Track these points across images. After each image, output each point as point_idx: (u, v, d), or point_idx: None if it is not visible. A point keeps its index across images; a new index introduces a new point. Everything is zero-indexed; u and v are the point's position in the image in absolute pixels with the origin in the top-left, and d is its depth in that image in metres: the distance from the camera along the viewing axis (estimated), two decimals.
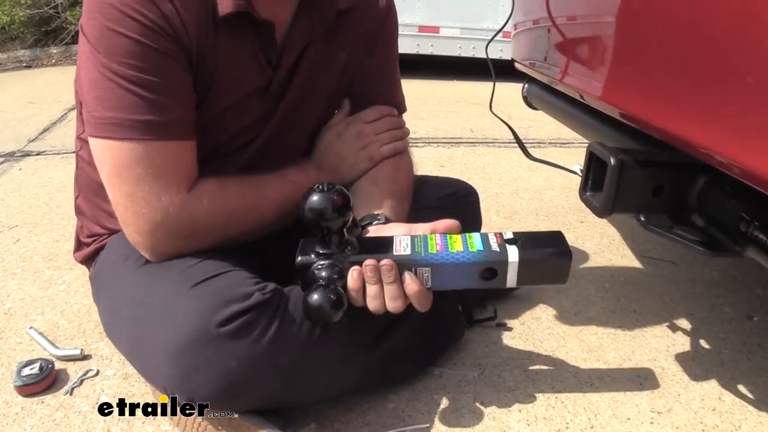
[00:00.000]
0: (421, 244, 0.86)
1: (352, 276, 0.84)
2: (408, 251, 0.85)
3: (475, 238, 0.86)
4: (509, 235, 0.86)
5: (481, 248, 0.84)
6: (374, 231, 0.95)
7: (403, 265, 0.84)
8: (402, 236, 0.88)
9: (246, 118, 1.02)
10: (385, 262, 0.83)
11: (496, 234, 0.87)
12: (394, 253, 0.84)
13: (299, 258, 0.86)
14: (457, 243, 0.85)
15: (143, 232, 0.90)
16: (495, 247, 0.85)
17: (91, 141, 0.89)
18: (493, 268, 0.84)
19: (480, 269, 0.84)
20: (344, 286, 0.85)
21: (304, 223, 0.83)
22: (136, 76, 0.83)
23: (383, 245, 0.87)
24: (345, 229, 0.86)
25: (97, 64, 0.84)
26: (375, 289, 0.85)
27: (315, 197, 0.82)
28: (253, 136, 1.05)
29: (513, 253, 0.84)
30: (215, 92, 0.95)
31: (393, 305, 0.85)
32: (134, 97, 0.84)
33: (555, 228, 1.94)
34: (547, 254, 0.86)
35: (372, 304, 0.86)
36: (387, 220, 0.98)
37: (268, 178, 1.01)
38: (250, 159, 1.07)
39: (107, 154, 0.87)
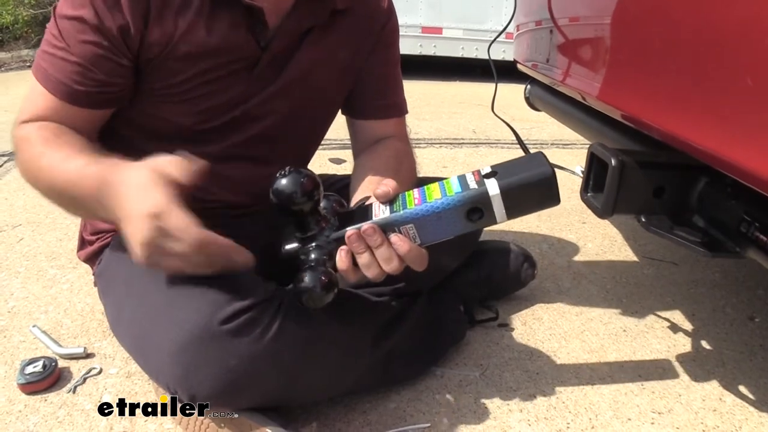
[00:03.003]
0: (400, 203, 0.82)
1: (341, 257, 0.82)
2: (387, 213, 0.82)
3: (453, 181, 0.82)
4: (487, 170, 0.81)
5: (459, 190, 0.80)
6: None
7: (385, 227, 0.81)
8: (381, 202, 0.85)
9: (227, 93, 1.02)
10: (366, 227, 0.81)
11: (474, 172, 0.82)
12: (374, 218, 0.82)
13: (285, 247, 0.84)
14: (435, 192, 0.82)
15: None
16: (473, 185, 0.80)
17: None
18: (477, 206, 0.80)
19: (464, 211, 0.80)
20: (334, 267, 0.83)
21: (273, 206, 0.81)
22: (62, 39, 0.91)
23: (362, 215, 0.84)
24: (318, 208, 0.84)
25: (52, 17, 0.93)
26: (366, 257, 0.82)
27: (282, 181, 0.80)
28: (236, 117, 1.05)
29: (493, 186, 0.79)
30: (192, 62, 0.96)
31: (389, 267, 0.82)
32: (52, 49, 0.92)
33: (557, 228, 1.95)
34: (528, 176, 0.80)
35: (369, 273, 0.83)
36: None
37: (75, 160, 0.89)
38: (239, 147, 1.08)
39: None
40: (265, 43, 1.00)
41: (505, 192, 0.79)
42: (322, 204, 0.86)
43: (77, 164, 0.87)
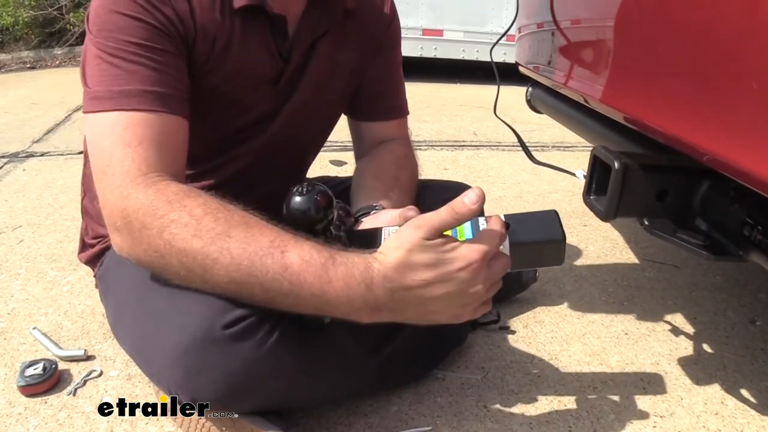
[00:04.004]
0: None
1: None
2: None
3: (465, 225, 0.82)
4: (500, 218, 0.82)
5: (470, 236, 0.80)
6: (368, 219, 0.95)
7: None
8: (390, 227, 0.85)
9: (255, 110, 1.03)
10: None
11: (487, 218, 0.82)
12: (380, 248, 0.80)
13: None
14: (446, 231, 0.81)
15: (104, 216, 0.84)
16: None
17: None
18: None
19: None
20: None
21: (286, 224, 0.80)
22: (119, 48, 0.83)
23: (371, 239, 0.84)
24: (332, 227, 0.84)
25: (90, 44, 0.86)
26: None
27: (297, 199, 0.80)
28: (262, 129, 1.06)
29: None
30: (227, 79, 0.97)
31: None
32: (114, 68, 0.83)
33: None
34: (539, 237, 0.82)
35: None
36: (384, 210, 0.98)
37: (269, 250, 0.74)
38: (258, 153, 1.08)
39: (87, 130, 0.85)
40: (287, 55, 1.00)
41: (513, 247, 0.80)
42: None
43: (300, 256, 0.74)
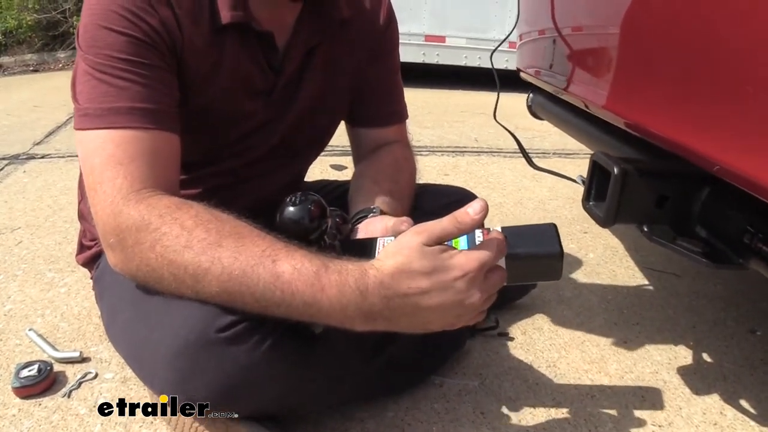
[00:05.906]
0: None
1: None
2: None
3: (461, 238, 0.80)
4: (497, 231, 0.81)
5: (466, 247, 0.78)
6: (364, 225, 0.95)
7: None
8: (386, 238, 0.84)
9: (250, 121, 1.02)
10: None
11: (483, 230, 0.81)
12: (376, 257, 0.79)
13: None
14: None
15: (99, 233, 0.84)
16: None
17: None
18: None
19: None
20: None
21: (279, 233, 0.79)
22: (108, 65, 0.83)
23: (366, 249, 0.83)
24: (326, 236, 0.84)
25: (79, 60, 0.86)
26: None
27: (290, 209, 0.80)
28: (261, 139, 1.05)
29: None
30: (218, 95, 0.96)
31: None
32: (103, 85, 0.83)
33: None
34: (535, 252, 0.80)
35: None
36: (382, 213, 0.97)
37: (259, 258, 0.74)
38: (257, 161, 1.08)
39: (78, 147, 0.85)
40: (278, 66, 1.00)
41: (509, 260, 0.78)
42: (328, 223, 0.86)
43: (292, 266, 0.73)
